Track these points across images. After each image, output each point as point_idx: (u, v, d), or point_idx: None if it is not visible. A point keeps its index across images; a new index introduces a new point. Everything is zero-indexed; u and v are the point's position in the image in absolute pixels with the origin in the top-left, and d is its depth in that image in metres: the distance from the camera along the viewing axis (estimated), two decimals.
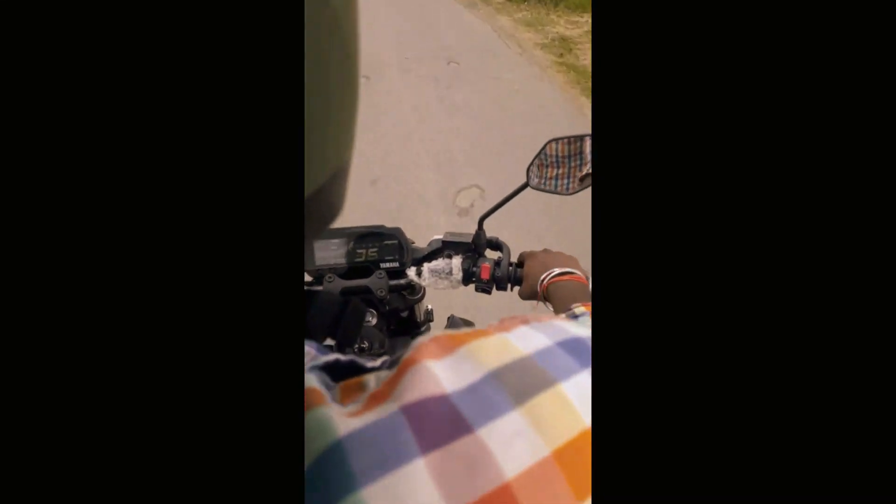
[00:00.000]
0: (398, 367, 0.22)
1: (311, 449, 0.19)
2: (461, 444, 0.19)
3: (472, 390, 0.20)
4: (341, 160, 0.21)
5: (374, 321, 0.75)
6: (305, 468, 0.19)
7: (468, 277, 0.72)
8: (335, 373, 0.24)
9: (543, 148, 0.66)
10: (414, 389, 0.20)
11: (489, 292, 0.72)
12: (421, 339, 0.23)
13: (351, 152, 0.22)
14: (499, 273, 0.70)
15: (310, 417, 0.20)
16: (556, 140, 0.65)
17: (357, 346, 0.71)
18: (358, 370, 0.25)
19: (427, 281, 0.72)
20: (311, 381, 0.22)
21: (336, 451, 0.19)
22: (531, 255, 0.70)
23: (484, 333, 0.23)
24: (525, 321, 0.25)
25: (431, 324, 0.92)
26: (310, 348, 0.26)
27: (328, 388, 0.23)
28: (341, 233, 0.72)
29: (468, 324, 0.89)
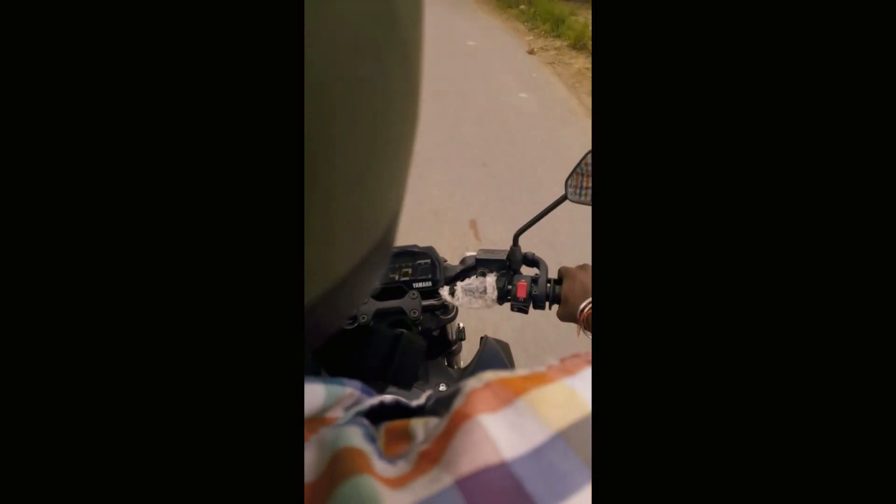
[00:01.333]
0: (448, 419, 0.19)
1: None
2: None
3: (537, 457, 0.17)
4: (400, 203, 0.19)
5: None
6: None
7: (503, 296, 0.69)
8: (379, 416, 0.22)
9: (583, 159, 0.62)
10: (468, 454, 0.17)
11: (526, 311, 0.69)
12: (472, 385, 0.20)
13: (405, 192, 0.20)
14: (536, 291, 0.67)
15: (349, 487, 0.17)
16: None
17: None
18: (402, 411, 0.22)
19: (461, 301, 0.69)
20: (354, 436, 0.20)
21: None
22: (570, 272, 0.66)
23: (544, 378, 0.20)
24: (590, 361, 0.21)
25: (463, 342, 0.89)
26: (353, 389, 0.24)
27: (371, 439, 0.20)
28: None
29: (503, 346, 0.85)
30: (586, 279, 0.63)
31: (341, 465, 0.18)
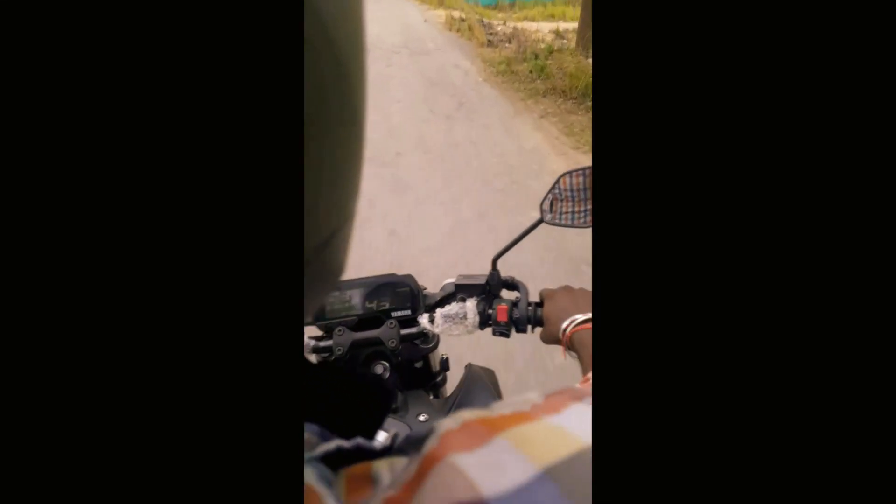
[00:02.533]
0: (419, 463, 0.17)
1: None
2: None
3: (519, 496, 0.15)
4: (345, 216, 0.19)
5: (386, 374, 0.70)
6: None
7: (484, 321, 0.67)
8: (337, 462, 0.20)
9: (556, 182, 0.63)
10: (438, 495, 0.15)
11: (507, 335, 0.68)
12: (447, 426, 0.18)
13: (355, 207, 0.20)
14: (517, 314, 0.66)
15: None
16: (569, 173, 0.62)
17: None
18: (365, 454, 0.20)
19: (440, 328, 0.68)
20: (307, 475, 0.18)
21: None
22: (551, 294, 0.66)
23: (526, 417, 0.18)
24: (577, 397, 0.20)
25: (447, 373, 0.87)
26: (309, 434, 0.22)
27: (328, 483, 0.18)
28: (353, 284, 0.69)
29: (488, 372, 0.83)
30: (567, 300, 0.62)
31: None
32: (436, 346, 0.76)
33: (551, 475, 0.15)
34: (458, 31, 8.37)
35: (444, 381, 0.86)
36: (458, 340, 1.60)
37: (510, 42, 7.04)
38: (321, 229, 0.17)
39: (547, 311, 0.63)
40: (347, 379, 0.27)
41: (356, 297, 0.68)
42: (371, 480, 0.18)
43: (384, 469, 0.19)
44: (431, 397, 0.80)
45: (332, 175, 0.16)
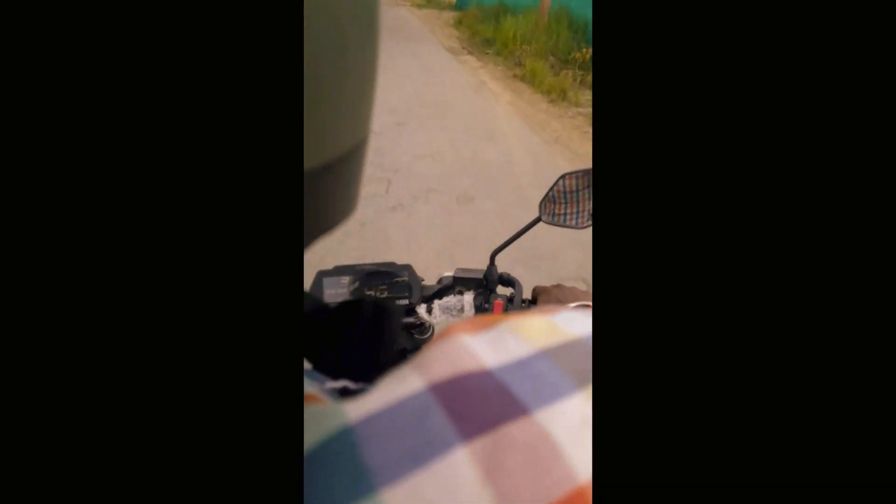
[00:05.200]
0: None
1: (309, 441, 0.15)
2: (515, 430, 0.14)
3: (522, 366, 0.16)
4: (358, 134, 0.18)
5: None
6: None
7: (480, 314, 0.70)
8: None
9: (556, 183, 0.65)
10: (444, 363, 0.16)
11: None
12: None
13: (369, 126, 0.19)
14: (511, 309, 0.69)
15: (305, 412, 0.16)
16: (568, 175, 0.65)
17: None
18: None
19: (437, 319, 0.70)
20: (310, 389, 0.18)
21: (342, 441, 0.14)
22: (544, 290, 0.69)
23: (524, 314, 0.20)
24: (566, 308, 0.21)
25: None
26: (312, 381, 0.22)
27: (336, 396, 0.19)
28: (350, 270, 0.70)
29: None
30: (560, 293, 0.65)
31: None
32: (431, 337, 0.78)
33: (548, 354, 0.17)
34: None
35: None
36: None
37: None
38: (338, 142, 0.16)
39: (540, 305, 0.67)
40: (356, 321, 0.28)
41: (354, 284, 0.70)
42: None
43: None
44: None
45: (351, 86, 0.16)
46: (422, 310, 0.70)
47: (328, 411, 0.15)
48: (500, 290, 0.73)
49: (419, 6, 12.70)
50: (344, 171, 0.18)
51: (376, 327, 0.30)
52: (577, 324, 0.19)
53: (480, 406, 0.15)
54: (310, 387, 0.19)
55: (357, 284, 0.70)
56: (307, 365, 0.24)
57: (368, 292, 0.70)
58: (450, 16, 10.48)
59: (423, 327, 0.75)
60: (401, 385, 0.16)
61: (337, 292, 0.69)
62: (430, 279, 0.75)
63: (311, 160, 0.16)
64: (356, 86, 0.17)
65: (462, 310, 0.70)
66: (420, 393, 0.15)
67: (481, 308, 0.70)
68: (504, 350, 0.17)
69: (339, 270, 0.69)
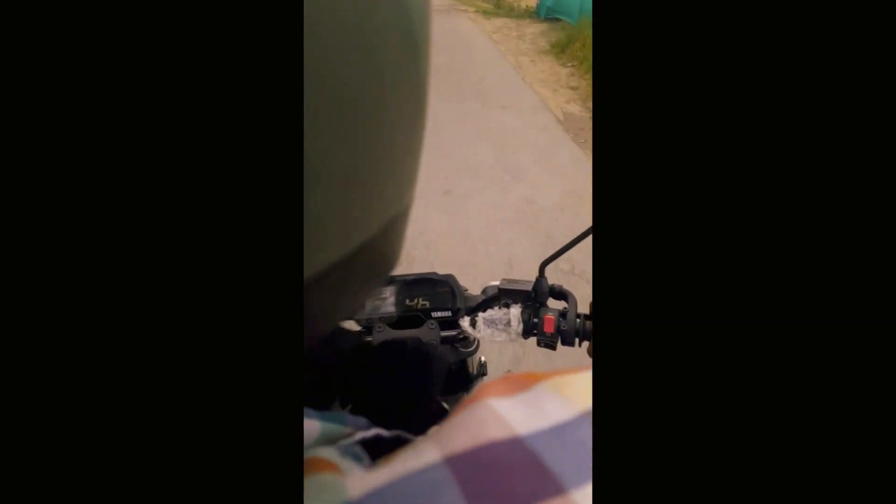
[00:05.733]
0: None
1: None
2: None
3: (560, 432, 0.14)
4: (404, 203, 0.17)
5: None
6: None
7: (529, 330, 0.64)
8: (378, 451, 0.19)
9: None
10: (466, 432, 0.14)
11: (554, 347, 0.64)
12: (486, 380, 0.18)
13: (412, 194, 0.19)
14: (565, 326, 0.62)
15: (308, 484, 0.14)
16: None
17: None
18: (404, 444, 0.20)
19: (482, 332, 0.65)
20: (331, 454, 0.17)
21: None
22: None
23: (569, 370, 0.17)
24: None
25: (485, 378, 0.84)
26: (353, 428, 0.21)
27: (357, 458, 0.17)
28: (391, 280, 0.67)
29: None
30: None
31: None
32: (475, 351, 0.73)
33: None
34: None
35: None
36: (492, 344, 1.57)
37: None
38: (378, 217, 0.16)
39: None
40: (392, 362, 0.27)
41: (395, 294, 0.67)
42: None
43: None
44: None
45: (393, 155, 0.15)
46: (465, 322, 0.66)
47: (329, 485, 0.14)
48: (552, 303, 0.67)
49: (486, 14, 8.80)
50: (390, 236, 0.18)
51: (418, 372, 0.29)
52: None
53: (504, 481, 0.13)
54: (326, 450, 0.18)
55: (399, 296, 0.67)
56: (341, 407, 0.23)
57: (409, 303, 0.67)
58: (536, 31, 6.91)
59: (466, 341, 0.71)
60: (414, 456, 0.14)
61: (378, 304, 0.66)
62: (474, 289, 0.70)
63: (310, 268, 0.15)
64: (404, 155, 0.16)
65: (509, 324, 0.64)
66: (434, 466, 0.14)
67: (529, 323, 0.64)
68: (540, 413, 0.15)
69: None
